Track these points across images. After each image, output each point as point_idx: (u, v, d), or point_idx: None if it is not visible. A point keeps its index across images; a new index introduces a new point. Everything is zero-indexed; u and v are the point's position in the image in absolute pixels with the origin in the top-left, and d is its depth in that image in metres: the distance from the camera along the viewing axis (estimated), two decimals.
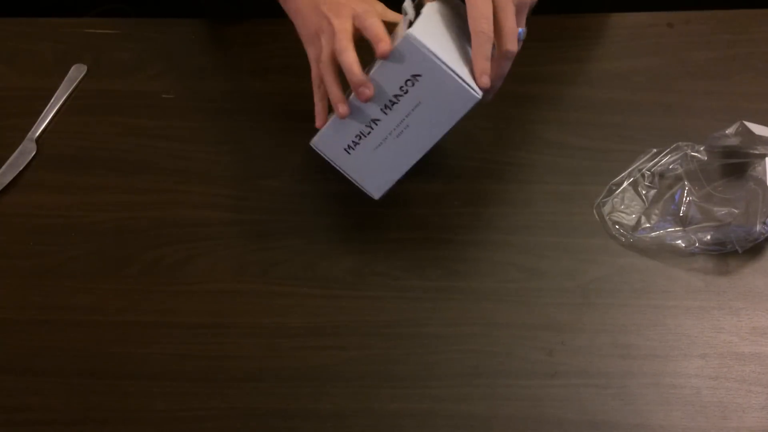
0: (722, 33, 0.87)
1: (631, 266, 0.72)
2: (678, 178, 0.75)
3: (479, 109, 0.82)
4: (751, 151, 0.73)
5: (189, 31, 0.91)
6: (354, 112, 0.66)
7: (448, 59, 0.62)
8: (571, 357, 0.67)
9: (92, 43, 0.90)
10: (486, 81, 0.63)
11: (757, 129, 0.72)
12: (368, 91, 0.64)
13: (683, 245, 0.72)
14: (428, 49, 0.61)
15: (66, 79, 0.87)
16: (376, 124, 0.66)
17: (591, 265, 0.72)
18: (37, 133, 0.83)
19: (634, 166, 0.76)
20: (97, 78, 0.87)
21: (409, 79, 0.63)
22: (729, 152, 0.74)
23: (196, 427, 0.65)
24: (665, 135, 0.78)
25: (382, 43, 0.63)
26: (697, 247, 0.71)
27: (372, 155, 0.68)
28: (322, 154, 0.70)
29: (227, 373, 0.67)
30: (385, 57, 0.63)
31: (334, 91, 0.67)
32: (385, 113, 0.65)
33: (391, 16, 0.69)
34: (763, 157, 0.71)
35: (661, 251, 0.72)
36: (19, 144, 0.82)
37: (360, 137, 0.67)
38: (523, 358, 0.67)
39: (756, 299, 0.69)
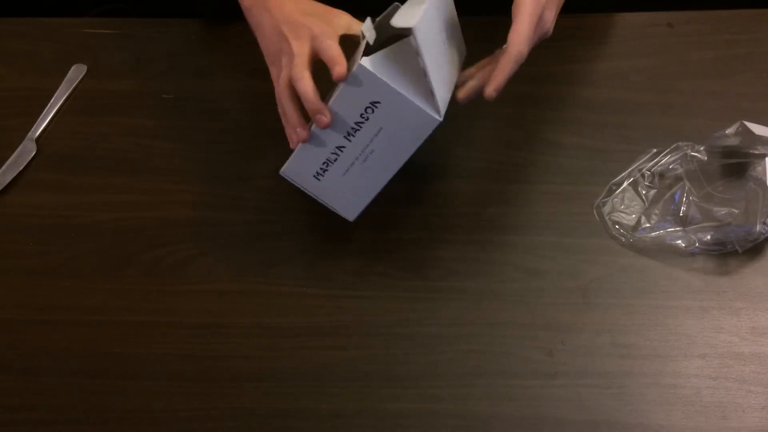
0: (722, 33, 0.87)
1: (631, 266, 0.72)
2: (678, 178, 0.75)
3: (480, 110, 0.82)
4: (751, 151, 0.73)
5: (189, 31, 0.91)
6: (318, 140, 0.67)
7: (405, 84, 0.63)
8: (571, 357, 0.67)
9: (92, 43, 0.90)
10: (493, 95, 0.64)
11: (757, 129, 0.72)
12: (325, 119, 0.64)
13: (683, 245, 0.72)
14: (383, 77, 0.62)
15: (66, 79, 0.87)
16: (342, 151, 0.67)
17: (591, 265, 0.72)
18: (37, 133, 0.83)
19: (634, 166, 0.76)
20: (97, 78, 0.87)
21: (368, 107, 0.64)
22: (729, 152, 0.74)
23: (196, 427, 0.65)
24: (665, 135, 0.78)
25: (338, 66, 0.63)
26: (697, 247, 0.71)
27: (341, 180, 0.68)
28: (292, 182, 0.70)
29: (227, 373, 0.67)
30: (341, 80, 0.63)
31: (292, 116, 0.67)
32: (349, 140, 0.66)
33: (358, 28, 0.68)
34: (763, 157, 0.71)
35: (661, 251, 0.72)
36: (19, 144, 0.82)
37: (327, 164, 0.68)
38: (523, 358, 0.67)
39: (756, 299, 0.69)
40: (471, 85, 0.68)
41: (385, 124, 0.65)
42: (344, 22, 0.68)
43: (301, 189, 0.70)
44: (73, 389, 0.67)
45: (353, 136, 0.66)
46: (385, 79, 0.62)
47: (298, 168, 0.69)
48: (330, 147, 0.67)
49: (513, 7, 0.65)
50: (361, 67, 0.62)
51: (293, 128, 0.67)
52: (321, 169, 0.68)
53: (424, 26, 0.62)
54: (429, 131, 0.65)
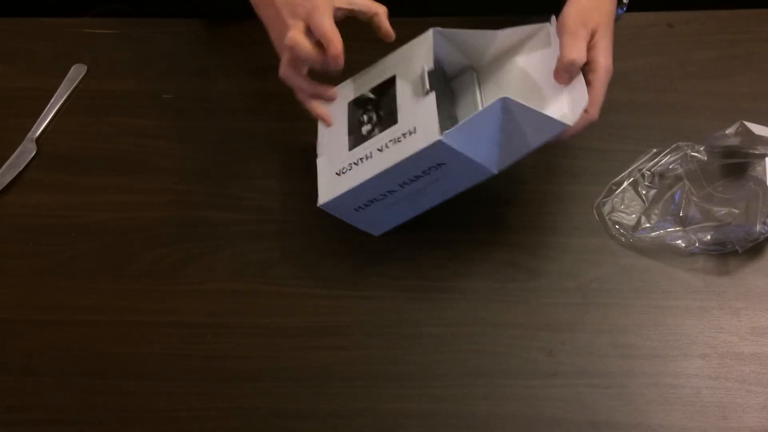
0: (722, 33, 0.87)
1: (631, 266, 0.72)
2: (678, 178, 0.75)
3: None
4: (751, 151, 0.73)
5: (189, 31, 0.91)
6: (369, 188, 0.66)
7: (474, 151, 0.64)
8: (571, 357, 0.67)
9: (92, 43, 0.90)
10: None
11: (757, 129, 0.72)
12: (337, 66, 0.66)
13: (683, 245, 0.72)
14: (458, 147, 0.63)
15: (66, 79, 0.87)
16: (391, 193, 0.67)
17: (591, 265, 0.72)
18: (37, 133, 0.83)
19: (634, 166, 0.76)
20: (97, 78, 0.87)
21: (433, 167, 0.65)
22: (729, 152, 0.74)
23: (196, 427, 0.65)
24: (665, 135, 0.78)
25: (332, 45, 0.65)
26: (697, 247, 0.71)
27: (381, 212, 0.69)
28: (329, 212, 0.70)
29: (227, 373, 0.67)
30: (337, 58, 0.65)
31: (305, 87, 0.69)
32: (402, 187, 0.67)
33: (358, 1, 0.69)
34: (763, 157, 0.71)
35: (661, 251, 0.72)
36: (19, 144, 0.82)
37: (372, 202, 0.68)
38: (523, 358, 0.67)
39: (756, 299, 0.69)
40: None
41: (443, 176, 0.66)
42: None
43: (336, 215, 0.70)
44: (73, 389, 0.67)
45: (408, 185, 0.66)
46: (459, 150, 0.63)
47: (340, 204, 0.68)
48: (379, 191, 0.67)
49: (588, 72, 0.66)
50: (441, 142, 0.62)
51: (313, 96, 0.68)
52: (364, 205, 0.68)
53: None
54: (480, 180, 0.67)
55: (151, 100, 0.85)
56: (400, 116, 0.66)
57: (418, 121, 0.64)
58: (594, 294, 0.70)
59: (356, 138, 0.68)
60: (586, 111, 0.65)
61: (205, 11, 0.92)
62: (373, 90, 0.70)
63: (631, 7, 0.90)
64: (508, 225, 0.75)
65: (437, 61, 0.70)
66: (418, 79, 0.67)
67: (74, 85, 0.86)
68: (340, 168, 0.68)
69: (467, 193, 0.77)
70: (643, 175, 0.75)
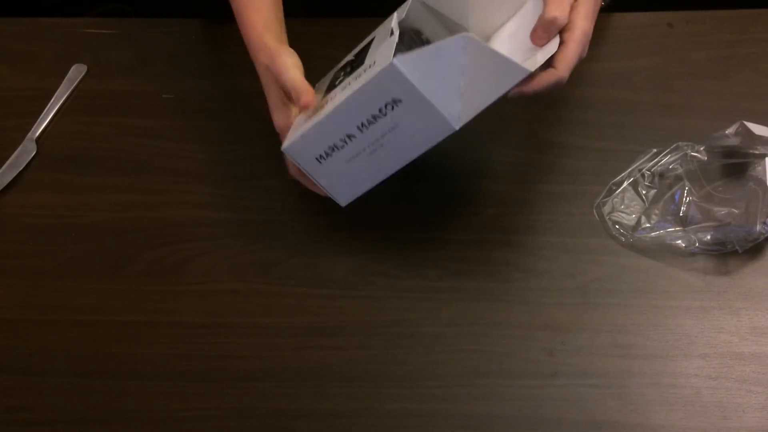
0: (722, 33, 0.87)
1: (631, 266, 0.72)
2: (678, 178, 0.75)
3: None
4: (751, 151, 0.73)
5: (189, 31, 0.91)
6: (328, 126, 0.65)
7: (431, 89, 0.61)
8: (571, 357, 0.67)
9: (92, 43, 0.90)
10: (515, 95, 0.63)
11: (757, 129, 0.72)
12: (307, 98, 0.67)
13: (683, 245, 0.72)
14: (411, 78, 0.61)
15: (66, 79, 0.87)
16: (351, 140, 0.66)
17: (591, 265, 0.72)
18: (37, 133, 0.83)
19: (634, 166, 0.76)
20: (97, 78, 0.87)
21: (389, 103, 0.63)
22: (729, 152, 0.74)
23: (196, 427, 0.65)
24: (665, 135, 0.78)
25: (302, 96, 0.66)
26: (697, 247, 0.71)
27: (343, 167, 0.67)
28: (292, 160, 0.70)
29: (227, 373, 0.67)
30: (308, 108, 0.66)
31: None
32: (361, 131, 0.65)
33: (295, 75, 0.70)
34: (763, 157, 0.71)
35: (661, 251, 0.72)
36: (19, 144, 0.82)
37: (333, 149, 0.67)
38: (523, 358, 0.67)
39: (756, 299, 0.69)
40: None
41: (401, 122, 0.64)
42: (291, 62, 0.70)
43: (298, 166, 0.70)
44: (73, 389, 0.67)
45: (366, 128, 0.64)
46: (413, 81, 0.60)
47: (302, 148, 0.68)
48: (340, 134, 0.65)
49: (563, 31, 0.64)
50: (393, 66, 0.60)
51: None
52: (325, 153, 0.67)
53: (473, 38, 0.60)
54: (442, 137, 0.64)
55: (151, 100, 0.85)
56: (366, 60, 0.66)
57: (379, 57, 0.63)
58: (594, 294, 0.70)
59: (329, 89, 0.69)
60: (554, 67, 0.64)
61: (205, 11, 0.92)
62: (355, 54, 0.70)
63: (631, 7, 0.90)
64: (508, 225, 0.75)
65: (420, 31, 0.69)
66: (390, 31, 0.66)
67: (74, 85, 0.86)
68: (309, 114, 0.68)
69: (467, 193, 0.77)
70: (643, 175, 0.75)
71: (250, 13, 0.73)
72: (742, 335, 0.68)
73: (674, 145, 0.76)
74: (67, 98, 0.85)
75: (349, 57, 0.72)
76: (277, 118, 0.72)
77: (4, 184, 0.79)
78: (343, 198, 0.70)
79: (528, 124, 0.81)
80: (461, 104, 0.62)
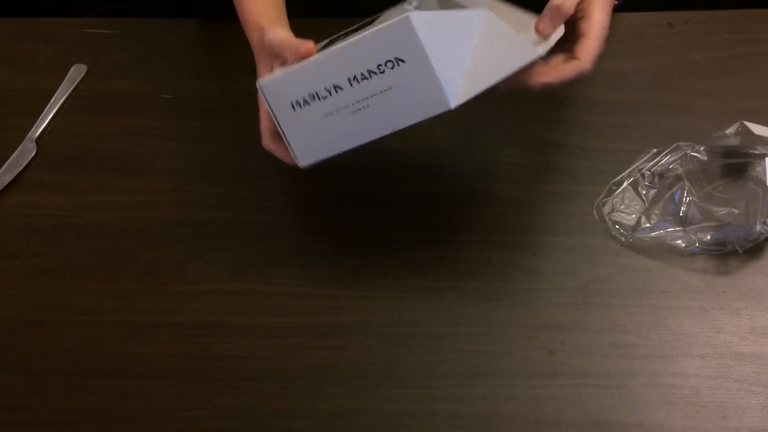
0: (722, 33, 0.87)
1: (631, 266, 0.72)
2: (678, 178, 0.75)
3: (480, 109, 0.81)
4: (751, 151, 0.73)
5: (189, 31, 0.91)
6: (318, 71, 0.59)
7: (438, 56, 0.57)
8: (571, 357, 0.67)
9: (92, 43, 0.90)
10: (538, 88, 0.63)
11: (757, 129, 0.72)
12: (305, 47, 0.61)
13: (683, 245, 0.72)
14: (422, 38, 0.56)
15: (66, 79, 0.87)
16: (336, 92, 0.59)
17: (591, 265, 0.72)
18: (37, 133, 0.83)
19: (634, 166, 0.76)
20: (97, 78, 0.87)
21: (390, 60, 0.57)
22: (729, 152, 0.74)
23: (196, 427, 0.65)
24: (665, 135, 0.78)
25: (302, 45, 0.60)
26: (697, 247, 0.71)
27: (317, 122, 0.61)
28: (264, 101, 0.63)
29: (227, 373, 0.67)
30: (310, 54, 0.60)
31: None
32: (351, 84, 0.59)
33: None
34: (763, 157, 0.71)
35: (661, 251, 0.72)
36: (19, 144, 0.82)
37: (314, 98, 0.60)
38: (523, 358, 0.67)
39: (756, 299, 0.69)
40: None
41: (396, 85, 0.58)
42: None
43: (268, 110, 0.63)
44: (73, 389, 0.67)
45: (358, 82, 0.58)
46: (424, 42, 0.56)
47: (280, 88, 0.61)
48: (327, 82, 0.59)
49: (582, 23, 0.65)
50: (407, 19, 0.55)
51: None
52: (304, 100, 0.61)
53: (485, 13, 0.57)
54: (434, 113, 0.59)
55: (151, 100, 0.85)
56: (374, 24, 0.61)
57: (392, 17, 0.59)
58: (594, 294, 0.70)
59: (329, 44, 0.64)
60: (577, 58, 0.63)
61: (205, 11, 0.92)
62: (358, 25, 0.67)
63: (631, 7, 0.90)
64: (508, 225, 0.75)
65: None
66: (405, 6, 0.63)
67: (74, 85, 0.86)
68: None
69: (466, 193, 0.77)
70: (643, 175, 0.75)
71: (249, 2, 0.72)
72: (742, 335, 0.68)
73: (674, 145, 0.76)
74: (67, 98, 0.85)
75: (352, 28, 0.68)
76: None
77: (4, 184, 0.79)
78: (305, 157, 0.64)
79: (528, 124, 0.81)
80: (463, 81, 0.58)
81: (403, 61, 0.57)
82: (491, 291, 0.71)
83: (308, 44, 0.60)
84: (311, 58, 0.60)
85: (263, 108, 0.67)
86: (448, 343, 0.68)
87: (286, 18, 0.73)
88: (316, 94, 0.60)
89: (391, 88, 0.58)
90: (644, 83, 0.84)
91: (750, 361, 0.66)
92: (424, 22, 0.56)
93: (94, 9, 1.45)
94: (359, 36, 0.58)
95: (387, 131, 0.61)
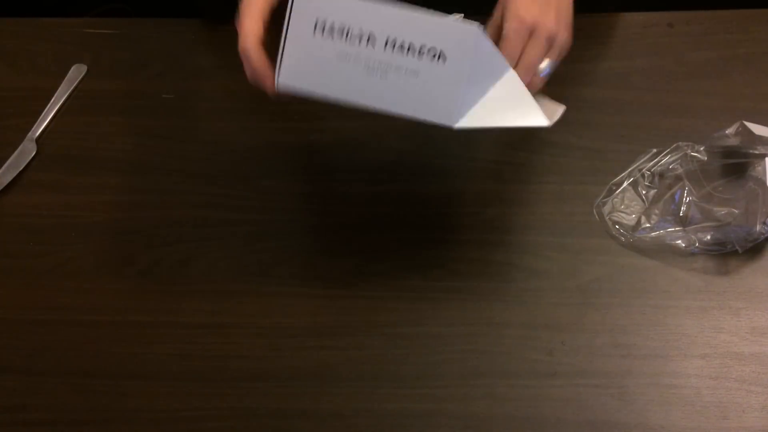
0: (722, 33, 0.87)
1: (631, 266, 0.72)
2: (678, 178, 0.75)
3: None
4: (751, 151, 0.73)
5: (189, 31, 0.91)
6: (367, 11, 0.57)
7: (472, 77, 0.58)
8: (571, 357, 0.67)
9: (92, 43, 0.90)
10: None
11: (757, 129, 0.72)
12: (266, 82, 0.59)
13: (683, 245, 0.72)
14: (474, 54, 0.57)
15: (66, 79, 0.86)
16: (368, 43, 0.57)
17: (591, 265, 0.72)
18: (37, 133, 0.83)
19: (634, 166, 0.76)
20: (97, 78, 0.87)
21: (437, 52, 0.57)
22: (729, 152, 0.74)
23: (196, 427, 0.65)
24: (665, 135, 0.78)
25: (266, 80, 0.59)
26: (697, 247, 0.71)
27: (326, 55, 0.58)
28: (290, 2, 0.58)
29: (227, 373, 0.67)
30: (275, 93, 0.59)
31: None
32: (385, 45, 0.57)
33: None
34: (763, 157, 0.71)
35: (661, 251, 0.72)
36: (19, 144, 0.82)
37: (342, 33, 0.57)
38: (523, 358, 0.67)
39: (756, 299, 0.69)
40: None
41: (423, 75, 0.57)
42: None
43: (288, 17, 0.59)
44: (73, 389, 0.67)
45: (393, 49, 0.57)
46: (473, 56, 0.57)
47: (316, 3, 0.58)
48: (366, 27, 0.57)
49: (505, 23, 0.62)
50: (476, 31, 0.56)
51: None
52: (331, 27, 0.57)
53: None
54: (435, 120, 0.59)
55: (151, 100, 0.85)
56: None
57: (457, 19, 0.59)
58: (594, 294, 0.70)
59: None
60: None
61: (205, 11, 0.92)
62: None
63: (631, 7, 0.90)
64: (508, 225, 0.75)
65: None
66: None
67: (74, 85, 0.86)
68: None
69: (466, 193, 0.77)
70: (643, 175, 0.75)
71: None
72: (742, 335, 0.68)
73: (674, 145, 0.76)
74: (67, 98, 0.85)
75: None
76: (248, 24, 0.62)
77: (4, 184, 0.79)
78: (287, 78, 0.60)
79: None
80: (474, 111, 0.59)
81: (445, 59, 0.57)
82: (491, 291, 0.71)
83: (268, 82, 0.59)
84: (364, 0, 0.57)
85: (257, 5, 0.61)
86: (448, 343, 0.68)
87: None
88: (348, 30, 0.57)
89: (416, 74, 0.58)
90: (644, 83, 0.84)
91: (750, 361, 0.66)
92: (484, 42, 0.57)
93: (94, 9, 1.45)
94: (428, 14, 0.57)
95: (382, 107, 0.59)
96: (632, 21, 0.89)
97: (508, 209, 0.76)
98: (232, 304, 0.71)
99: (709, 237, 0.71)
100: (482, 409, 0.65)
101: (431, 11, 0.58)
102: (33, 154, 0.81)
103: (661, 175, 0.76)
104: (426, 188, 0.77)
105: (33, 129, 0.83)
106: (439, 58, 0.57)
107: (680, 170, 0.75)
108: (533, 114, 0.61)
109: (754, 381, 0.65)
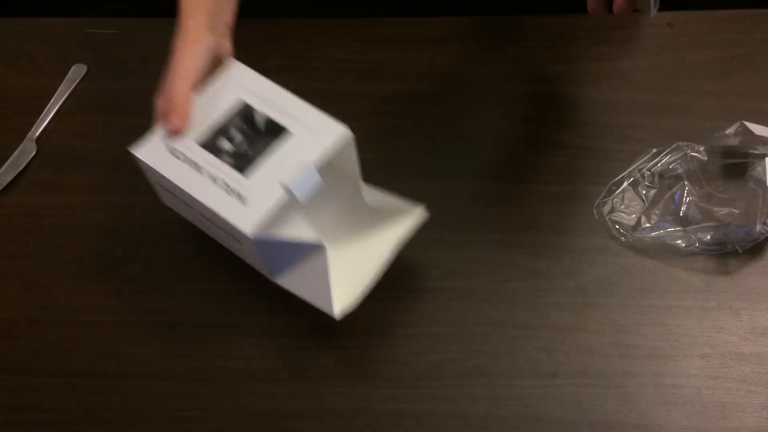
0: (722, 33, 0.87)
1: (631, 266, 0.72)
2: (678, 178, 0.75)
3: (479, 109, 0.82)
4: (751, 151, 0.73)
5: None
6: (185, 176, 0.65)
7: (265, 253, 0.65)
8: (571, 357, 0.67)
9: (92, 43, 0.90)
10: None
11: (757, 129, 0.72)
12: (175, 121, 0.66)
13: (683, 245, 0.72)
14: (258, 249, 0.64)
15: (66, 79, 0.86)
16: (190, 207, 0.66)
17: (591, 265, 0.72)
18: (37, 133, 0.83)
19: (634, 166, 0.76)
20: (97, 78, 0.87)
21: (236, 238, 0.65)
22: (729, 152, 0.74)
23: (196, 427, 0.65)
24: (665, 135, 0.78)
25: (175, 117, 0.66)
26: (697, 247, 0.71)
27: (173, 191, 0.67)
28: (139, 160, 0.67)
29: (227, 373, 0.67)
30: (174, 132, 0.66)
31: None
32: (204, 216, 0.67)
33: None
34: (763, 157, 0.71)
35: (661, 251, 0.72)
36: (19, 144, 0.82)
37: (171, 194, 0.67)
38: (523, 358, 0.67)
39: (756, 299, 0.69)
40: None
41: (237, 239, 0.65)
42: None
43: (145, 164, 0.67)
44: (73, 389, 0.67)
45: (207, 219, 0.66)
46: (257, 251, 0.64)
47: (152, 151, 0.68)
48: (190, 199, 0.65)
49: None
50: (247, 237, 0.62)
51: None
52: (178, 161, 0.66)
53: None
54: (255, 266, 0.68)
55: (151, 100, 0.85)
56: (249, 174, 0.64)
57: (260, 186, 0.63)
58: (594, 294, 0.70)
59: (209, 144, 0.66)
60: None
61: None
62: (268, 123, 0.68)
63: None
64: (508, 225, 0.75)
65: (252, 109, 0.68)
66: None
67: (74, 85, 0.86)
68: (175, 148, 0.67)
69: (466, 193, 0.77)
70: (643, 175, 0.75)
71: None
72: (742, 335, 0.68)
73: (674, 145, 0.76)
74: (67, 98, 0.85)
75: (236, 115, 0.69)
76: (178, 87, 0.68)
77: (4, 184, 0.79)
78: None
79: (527, 123, 0.81)
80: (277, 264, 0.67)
81: (240, 244, 0.65)
82: (491, 291, 0.71)
83: (178, 122, 0.65)
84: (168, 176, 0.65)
85: (186, 56, 0.69)
86: (448, 343, 0.68)
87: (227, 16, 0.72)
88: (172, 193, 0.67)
89: (235, 239, 0.65)
90: (644, 83, 0.84)
91: (750, 361, 0.66)
92: (263, 239, 0.62)
93: (94, 9, 1.45)
94: (221, 211, 0.63)
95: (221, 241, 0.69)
96: (632, 21, 0.89)
97: (508, 209, 0.76)
98: (232, 304, 0.71)
99: (709, 237, 0.71)
100: (482, 409, 0.65)
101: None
102: (33, 154, 0.81)
103: (661, 175, 0.76)
104: (426, 188, 0.77)
105: (33, 129, 0.83)
106: (239, 241, 0.65)
107: (680, 170, 0.75)
108: (324, 301, 0.65)
109: (754, 381, 0.65)
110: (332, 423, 0.65)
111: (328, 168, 0.64)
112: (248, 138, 0.65)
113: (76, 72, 0.87)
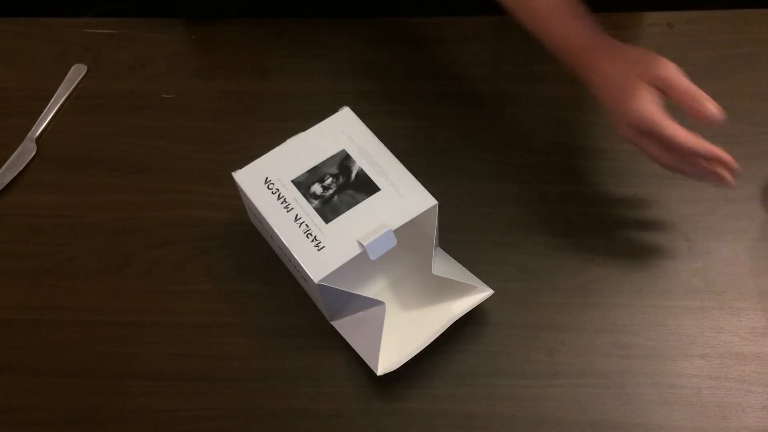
0: (722, 33, 0.87)
1: (631, 266, 0.71)
2: None
3: (479, 109, 0.82)
4: None
5: (189, 31, 0.91)
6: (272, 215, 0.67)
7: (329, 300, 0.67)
8: (571, 357, 0.67)
9: (92, 43, 0.90)
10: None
11: None
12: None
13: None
14: (323, 294, 0.65)
15: (66, 79, 0.86)
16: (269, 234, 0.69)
17: (591, 264, 0.72)
18: (37, 133, 0.83)
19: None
20: (97, 78, 0.87)
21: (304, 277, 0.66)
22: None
23: (196, 427, 0.65)
24: None
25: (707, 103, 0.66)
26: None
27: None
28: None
29: (227, 373, 0.67)
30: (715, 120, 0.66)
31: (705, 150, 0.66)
32: (281, 250, 0.69)
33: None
34: None
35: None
36: (19, 144, 0.82)
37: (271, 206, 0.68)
38: (523, 358, 0.67)
39: (756, 299, 0.69)
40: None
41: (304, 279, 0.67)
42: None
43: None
44: (73, 389, 0.67)
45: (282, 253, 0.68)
46: (322, 296, 0.66)
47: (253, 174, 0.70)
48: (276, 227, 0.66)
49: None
50: (315, 284, 0.63)
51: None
52: (273, 193, 0.68)
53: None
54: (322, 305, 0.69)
55: (151, 100, 0.85)
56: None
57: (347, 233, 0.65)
58: (594, 294, 0.70)
59: (302, 184, 0.68)
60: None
61: (205, 11, 0.92)
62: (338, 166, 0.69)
63: (631, 7, 0.90)
64: (508, 225, 0.75)
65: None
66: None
67: (74, 85, 0.86)
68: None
69: (466, 193, 0.77)
70: None
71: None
72: (742, 335, 0.68)
73: None
74: (67, 98, 0.85)
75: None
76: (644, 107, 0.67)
77: (4, 184, 0.79)
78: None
79: (528, 124, 0.81)
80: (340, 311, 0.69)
81: (307, 283, 0.67)
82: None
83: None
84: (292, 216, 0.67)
85: (645, 99, 0.68)
86: (448, 343, 0.68)
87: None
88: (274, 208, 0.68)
89: (303, 278, 0.67)
90: None
91: (750, 361, 0.66)
92: (329, 287, 0.64)
93: (94, 9, 1.45)
94: (297, 252, 0.65)
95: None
96: (632, 21, 0.89)
97: (509, 209, 0.76)
98: (232, 304, 0.71)
99: None
100: (482, 409, 0.65)
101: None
102: (33, 154, 0.81)
103: None
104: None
105: (33, 129, 0.83)
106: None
107: None
108: (371, 357, 0.66)
109: (754, 381, 0.65)
110: (332, 423, 0.65)
111: (406, 227, 0.66)
112: (339, 186, 0.67)
113: (76, 72, 0.87)
